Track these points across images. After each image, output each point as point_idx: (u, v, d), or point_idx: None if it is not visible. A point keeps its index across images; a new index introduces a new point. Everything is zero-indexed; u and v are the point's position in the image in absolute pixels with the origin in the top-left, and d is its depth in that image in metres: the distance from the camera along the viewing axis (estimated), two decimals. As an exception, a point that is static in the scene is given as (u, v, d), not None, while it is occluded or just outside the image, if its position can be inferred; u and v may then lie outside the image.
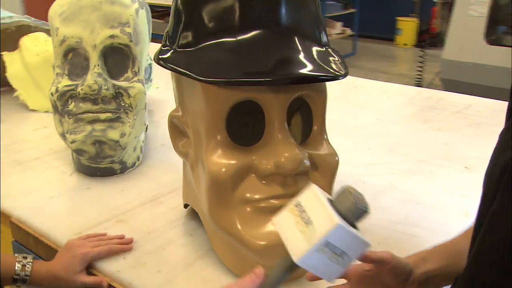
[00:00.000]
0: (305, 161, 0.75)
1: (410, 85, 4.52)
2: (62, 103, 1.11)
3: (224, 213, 0.77)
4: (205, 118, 0.78)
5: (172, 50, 0.80)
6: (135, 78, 1.14)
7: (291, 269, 0.56)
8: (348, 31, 6.03)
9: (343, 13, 5.85)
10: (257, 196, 0.76)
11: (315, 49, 0.78)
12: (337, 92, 1.80)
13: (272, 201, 0.76)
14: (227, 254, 0.84)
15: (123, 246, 0.88)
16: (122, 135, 1.11)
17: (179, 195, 1.01)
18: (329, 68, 0.76)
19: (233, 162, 0.76)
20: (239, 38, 0.75)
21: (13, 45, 1.65)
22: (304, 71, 0.73)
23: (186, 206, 0.99)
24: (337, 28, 5.88)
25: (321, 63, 0.76)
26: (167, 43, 0.83)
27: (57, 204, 1.05)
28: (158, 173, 1.19)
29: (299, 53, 0.75)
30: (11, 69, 1.61)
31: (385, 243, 0.92)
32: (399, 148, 1.34)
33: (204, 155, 0.78)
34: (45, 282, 0.83)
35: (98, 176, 1.17)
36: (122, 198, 1.08)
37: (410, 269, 0.73)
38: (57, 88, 1.11)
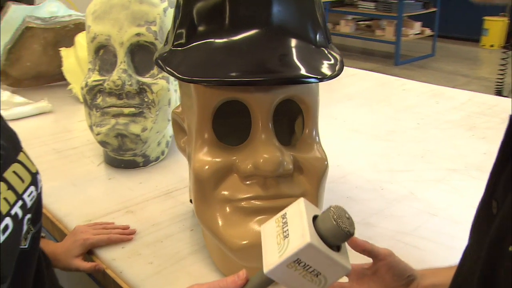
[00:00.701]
0: (285, 163, 0.74)
1: (490, 89, 4.24)
2: (91, 97, 1.18)
3: (207, 210, 0.78)
4: (195, 116, 0.79)
5: (168, 50, 0.81)
6: (160, 75, 1.18)
7: (266, 281, 0.56)
8: (428, 31, 5.77)
9: (422, 12, 5.60)
10: (237, 196, 0.76)
11: (306, 49, 0.76)
12: (382, 95, 1.74)
13: (252, 201, 0.75)
14: (216, 252, 0.85)
15: (123, 237, 0.92)
16: (144, 129, 1.16)
17: (190, 191, 1.03)
18: (319, 69, 0.74)
19: (216, 160, 0.76)
20: (227, 38, 0.75)
21: (71, 42, 1.76)
22: (287, 72, 0.72)
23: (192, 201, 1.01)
24: (416, 28, 5.65)
25: (309, 64, 0.74)
26: (166, 42, 0.85)
27: (77, 192, 1.11)
28: (179, 168, 1.22)
29: (287, 54, 0.74)
30: (66, 64, 1.72)
31: (385, 253, 0.88)
32: (431, 156, 1.27)
33: (192, 152, 0.79)
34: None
35: (122, 167, 1.22)
36: (138, 190, 1.12)
37: (412, 275, 0.71)
38: (87, 82, 1.18)
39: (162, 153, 1.28)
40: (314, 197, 0.77)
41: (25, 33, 1.75)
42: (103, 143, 1.17)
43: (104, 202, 1.06)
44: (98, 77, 1.17)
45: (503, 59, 4.16)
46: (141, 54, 1.18)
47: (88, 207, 1.05)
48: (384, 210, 1.03)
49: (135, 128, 1.15)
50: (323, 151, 0.81)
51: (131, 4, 1.17)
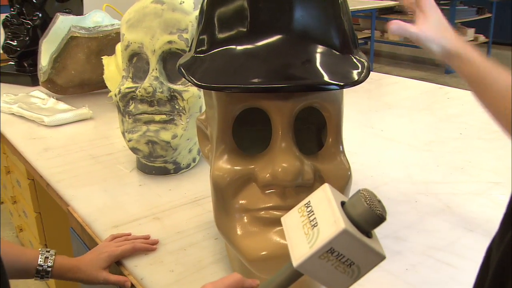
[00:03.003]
0: (305, 173, 0.71)
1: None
2: (124, 103, 1.20)
3: (225, 219, 0.77)
4: (216, 123, 0.78)
5: (190, 56, 0.81)
6: (191, 82, 1.18)
7: (294, 275, 0.53)
8: (482, 38, 5.56)
9: (476, 18, 5.40)
10: (256, 205, 0.74)
11: (329, 56, 0.74)
12: (424, 103, 1.67)
13: (271, 211, 0.73)
14: (235, 261, 0.83)
15: (147, 246, 0.91)
16: (174, 136, 1.16)
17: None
18: (342, 76, 0.71)
19: (235, 168, 0.75)
20: (248, 44, 0.73)
21: (113, 50, 1.81)
22: (307, 78, 0.69)
23: (218, 210, 1.00)
24: (469, 34, 5.45)
25: (332, 70, 0.71)
26: (190, 49, 0.84)
27: (107, 197, 1.13)
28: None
29: (308, 60, 0.72)
30: (107, 72, 1.77)
31: (414, 269, 0.84)
32: (472, 168, 1.21)
33: (213, 160, 0.78)
34: (69, 274, 0.88)
35: (154, 174, 1.23)
36: (167, 197, 1.12)
37: None
38: (120, 89, 1.20)
39: (194, 160, 1.28)
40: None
41: (70, 42, 1.81)
42: (134, 150, 1.18)
43: (132, 209, 1.07)
44: (131, 84, 1.19)
45: (563, 66, 3.94)
46: (173, 62, 1.18)
47: (116, 213, 1.06)
48: (416, 223, 0.98)
49: (165, 135, 1.16)
50: (347, 161, 0.77)
51: (164, 12, 1.18)
